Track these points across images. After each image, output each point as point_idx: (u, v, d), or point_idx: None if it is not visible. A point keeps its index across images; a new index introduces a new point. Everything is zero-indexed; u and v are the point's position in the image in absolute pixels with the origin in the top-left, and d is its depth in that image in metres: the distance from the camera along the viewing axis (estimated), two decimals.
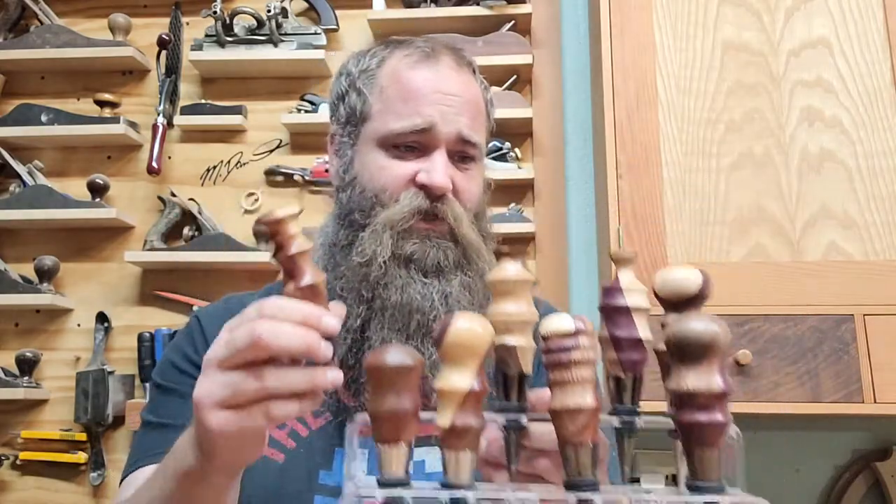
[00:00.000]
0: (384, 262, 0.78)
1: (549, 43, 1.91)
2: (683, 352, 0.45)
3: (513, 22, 1.85)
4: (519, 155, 1.82)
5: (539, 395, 0.49)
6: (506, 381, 0.49)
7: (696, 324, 0.45)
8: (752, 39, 1.49)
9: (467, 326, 0.45)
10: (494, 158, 1.78)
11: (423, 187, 0.80)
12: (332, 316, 0.52)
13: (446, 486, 0.46)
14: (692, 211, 1.43)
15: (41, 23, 1.96)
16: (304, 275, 0.53)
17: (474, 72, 0.90)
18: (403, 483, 0.46)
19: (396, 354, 0.46)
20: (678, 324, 0.45)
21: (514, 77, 1.83)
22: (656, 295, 0.49)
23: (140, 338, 1.76)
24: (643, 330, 0.49)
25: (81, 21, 2.01)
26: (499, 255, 0.51)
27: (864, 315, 1.34)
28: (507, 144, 1.79)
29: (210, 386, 0.53)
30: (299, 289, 0.53)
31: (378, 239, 0.79)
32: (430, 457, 0.79)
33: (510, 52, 1.82)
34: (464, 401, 0.45)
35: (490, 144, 1.79)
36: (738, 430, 0.49)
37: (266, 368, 0.51)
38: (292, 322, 0.51)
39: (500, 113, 1.75)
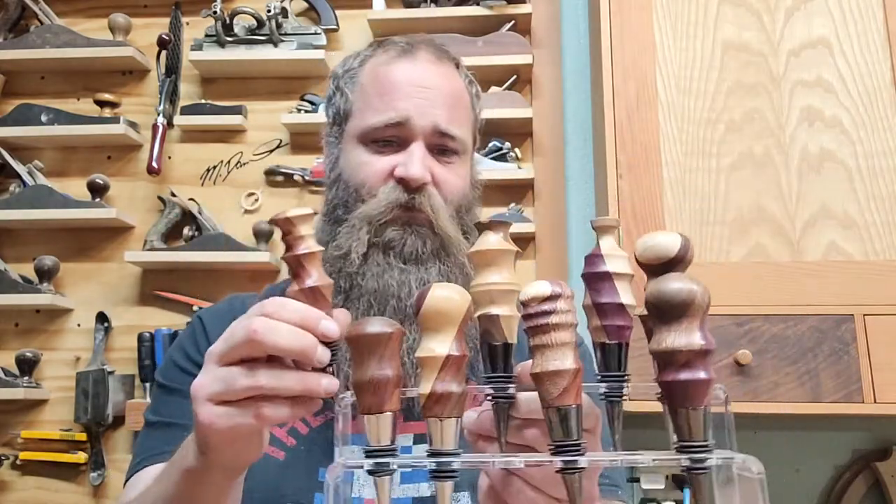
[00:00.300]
0: (360, 256, 0.79)
1: (549, 43, 1.91)
2: (662, 311, 0.44)
3: (513, 22, 1.85)
4: (519, 155, 1.82)
5: (524, 365, 0.49)
6: (491, 351, 0.49)
7: (674, 283, 0.44)
8: (752, 39, 1.49)
9: (444, 294, 0.46)
10: (494, 158, 1.78)
11: (401, 180, 0.80)
12: (333, 321, 0.52)
13: (432, 453, 0.46)
14: (692, 211, 1.43)
15: (41, 23, 1.96)
16: (309, 277, 0.53)
17: (458, 66, 0.90)
18: (389, 451, 0.46)
19: (376, 324, 0.47)
20: (656, 284, 0.45)
21: (514, 77, 1.83)
22: (638, 262, 0.49)
23: (140, 338, 1.76)
24: (626, 295, 0.49)
25: (81, 21, 2.01)
26: (481, 228, 0.51)
27: (864, 315, 1.34)
28: (507, 144, 1.79)
29: (205, 379, 0.53)
30: (301, 290, 0.53)
31: (355, 234, 0.80)
32: None
33: (510, 52, 1.82)
34: (443, 366, 0.45)
35: (490, 144, 1.79)
36: (724, 388, 0.48)
37: (260, 366, 0.51)
38: (290, 322, 0.51)
39: (500, 113, 1.77)
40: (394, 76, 0.84)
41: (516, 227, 1.75)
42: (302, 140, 1.90)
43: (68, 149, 1.95)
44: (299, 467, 0.79)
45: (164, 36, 1.89)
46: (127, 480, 0.82)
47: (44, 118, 1.88)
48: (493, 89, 1.81)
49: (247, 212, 1.89)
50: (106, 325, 1.83)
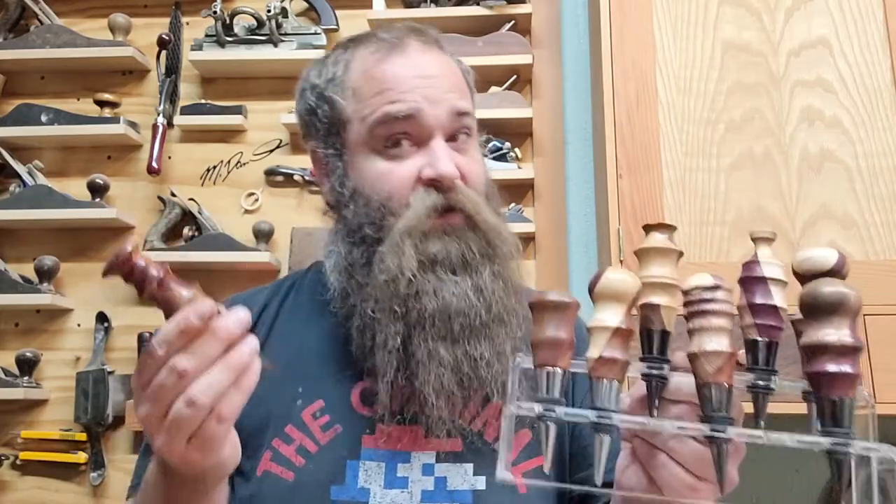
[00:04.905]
0: (414, 274, 0.73)
1: (549, 43, 1.91)
2: (815, 309, 0.47)
3: (513, 22, 1.85)
4: (519, 155, 1.82)
5: (680, 354, 0.52)
6: (649, 336, 0.53)
7: (829, 286, 0.47)
8: (752, 39, 1.49)
9: (617, 276, 0.51)
10: (494, 158, 1.78)
11: (432, 181, 0.75)
12: (230, 312, 0.55)
13: (595, 408, 0.51)
14: (692, 211, 1.43)
15: (41, 23, 1.96)
16: (185, 288, 0.57)
17: (442, 47, 0.87)
18: (559, 402, 0.51)
19: (556, 294, 0.52)
20: (813, 285, 0.48)
21: (514, 77, 1.83)
22: (795, 273, 0.52)
23: (140, 338, 1.76)
24: (779, 299, 0.52)
25: (81, 21, 2.02)
26: (648, 229, 0.55)
27: (864, 315, 1.33)
28: (507, 144, 1.79)
29: (143, 408, 0.55)
30: (192, 296, 0.56)
31: (399, 251, 0.74)
32: (452, 474, 0.75)
33: (510, 52, 1.82)
34: (612, 336, 0.50)
35: (490, 144, 1.78)
36: (870, 394, 0.51)
37: (171, 357, 0.54)
38: (216, 359, 0.53)
39: (500, 113, 1.77)
40: (391, 72, 0.78)
41: (517, 227, 1.75)
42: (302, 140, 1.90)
43: (68, 149, 1.95)
44: (310, 487, 0.74)
45: (164, 36, 1.89)
46: (127, 498, 0.80)
47: (44, 118, 1.88)
48: (493, 89, 1.82)
49: (247, 212, 1.89)
50: (106, 325, 1.83)
